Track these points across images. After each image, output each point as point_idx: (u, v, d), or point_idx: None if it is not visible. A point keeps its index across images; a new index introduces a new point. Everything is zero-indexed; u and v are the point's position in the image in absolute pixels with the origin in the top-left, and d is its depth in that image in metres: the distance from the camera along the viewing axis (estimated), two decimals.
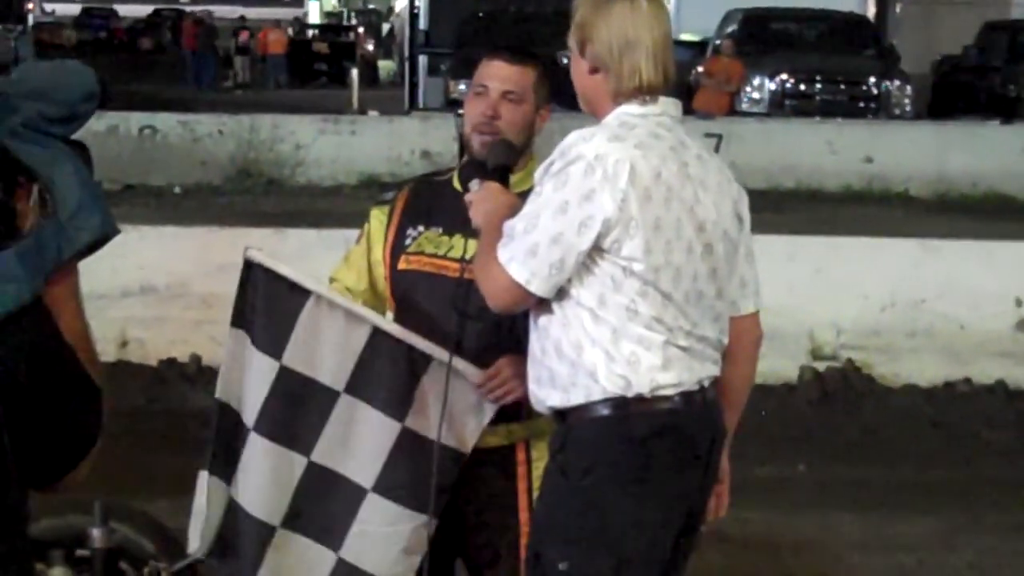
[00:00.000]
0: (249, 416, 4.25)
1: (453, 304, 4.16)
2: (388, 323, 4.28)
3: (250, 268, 4.26)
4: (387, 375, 4.19)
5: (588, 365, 3.79)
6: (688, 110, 22.09)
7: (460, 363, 4.16)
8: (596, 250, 3.74)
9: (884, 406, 9.62)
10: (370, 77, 40.48)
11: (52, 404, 2.26)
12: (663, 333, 3.78)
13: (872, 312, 9.98)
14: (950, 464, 8.72)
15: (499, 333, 4.19)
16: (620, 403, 3.78)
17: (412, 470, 4.16)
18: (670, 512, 3.88)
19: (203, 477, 4.33)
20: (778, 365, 9.68)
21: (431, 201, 4.41)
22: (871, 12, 30.74)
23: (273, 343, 4.21)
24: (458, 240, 4.27)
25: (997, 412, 9.50)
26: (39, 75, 2.40)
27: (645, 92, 3.87)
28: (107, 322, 9.14)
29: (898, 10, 32.45)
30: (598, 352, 3.78)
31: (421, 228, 4.37)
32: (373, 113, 21.57)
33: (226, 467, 4.31)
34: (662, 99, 3.90)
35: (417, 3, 30.31)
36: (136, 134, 19.44)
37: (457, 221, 4.22)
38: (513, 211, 3.86)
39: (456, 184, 4.33)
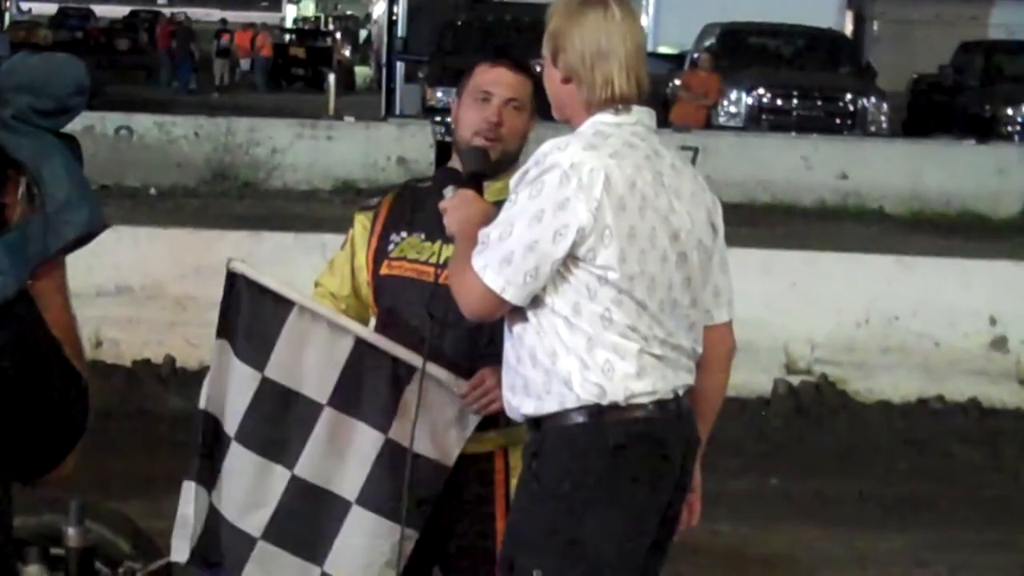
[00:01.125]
0: (231, 426, 4.22)
1: (428, 310, 4.15)
2: (372, 334, 4.26)
3: (233, 279, 4.24)
4: (370, 387, 4.17)
5: (562, 373, 3.78)
6: (665, 123, 22.10)
7: (441, 373, 4.15)
8: (571, 258, 3.73)
9: (857, 421, 9.64)
10: (347, 83, 40.44)
11: (38, 397, 2.25)
12: (638, 342, 3.78)
13: (847, 328, 10.01)
14: (922, 480, 8.73)
15: (477, 340, 4.19)
16: (594, 411, 3.78)
17: (396, 482, 4.13)
18: (643, 520, 3.88)
19: (189, 487, 4.29)
20: (752, 379, 9.72)
21: (414, 207, 4.41)
22: (848, 29, 30.86)
23: (256, 354, 4.19)
24: (440, 247, 4.26)
25: (970, 430, 9.53)
26: (29, 68, 2.39)
27: (618, 101, 3.87)
28: (81, 321, 9.06)
29: (875, 28, 32.57)
30: (572, 360, 3.77)
31: (404, 234, 4.37)
32: (349, 119, 21.50)
33: (210, 476, 4.28)
34: (636, 108, 3.90)
35: (395, 10, 30.33)
36: (112, 134, 19.38)
37: (440, 227, 4.20)
38: (487, 219, 3.86)
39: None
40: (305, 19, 48.22)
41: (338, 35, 51.47)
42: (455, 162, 4.35)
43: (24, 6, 71.88)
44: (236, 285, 4.23)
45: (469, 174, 4.13)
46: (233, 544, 4.23)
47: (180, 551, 4.33)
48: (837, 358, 9.97)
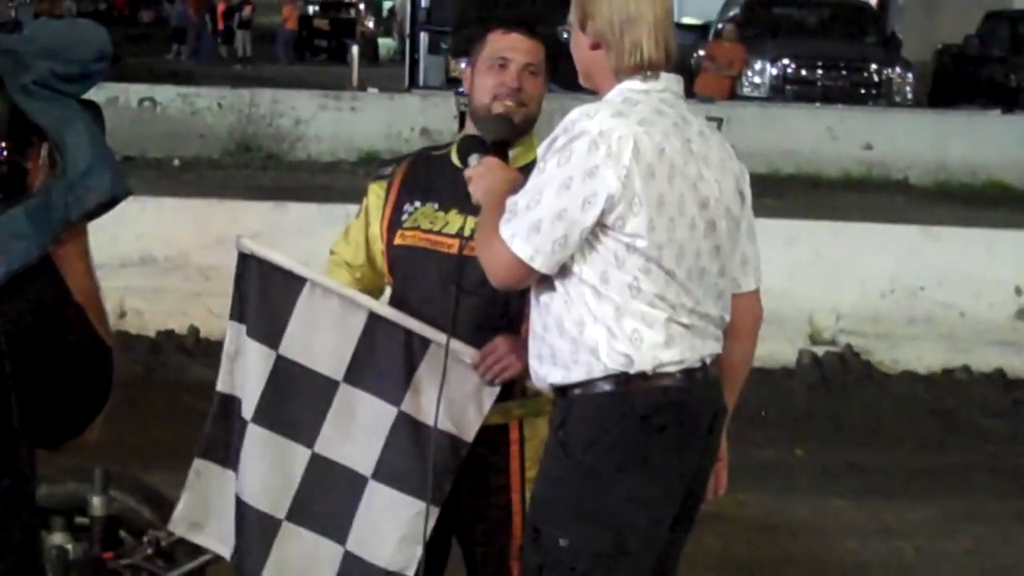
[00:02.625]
0: (247, 408, 4.20)
1: (451, 281, 4.13)
2: (384, 308, 4.24)
3: (244, 259, 4.23)
4: (384, 360, 4.14)
5: (590, 342, 3.76)
6: (689, 94, 21.97)
7: (456, 344, 4.11)
8: (599, 227, 3.71)
9: (882, 392, 9.62)
10: (370, 54, 40.36)
11: (62, 362, 2.24)
12: (666, 310, 3.76)
13: (871, 298, 9.98)
14: (948, 451, 8.71)
15: (493, 310, 4.17)
16: (622, 380, 3.77)
17: (411, 456, 4.12)
18: (671, 489, 3.86)
19: (203, 466, 4.32)
20: (777, 349, 9.68)
21: (429, 176, 4.39)
22: None
23: (269, 333, 4.17)
24: (454, 216, 4.25)
25: (995, 400, 9.51)
26: (51, 33, 2.38)
27: (646, 68, 3.84)
28: (105, 292, 9.07)
29: None
30: (600, 329, 3.76)
31: (418, 203, 4.34)
32: (373, 90, 21.48)
33: (225, 456, 4.27)
34: (664, 75, 3.88)
35: None
36: (136, 106, 19.37)
37: (454, 197, 4.21)
38: (514, 186, 3.85)
39: (454, 159, 4.30)
40: None
41: (362, 7, 51.36)
42: (471, 129, 4.32)
43: None
44: (247, 264, 4.22)
45: (493, 142, 4.10)
46: (257, 528, 4.20)
47: (179, 526, 4.38)
48: (862, 328, 9.95)
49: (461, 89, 20.52)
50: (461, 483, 4.24)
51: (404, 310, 4.23)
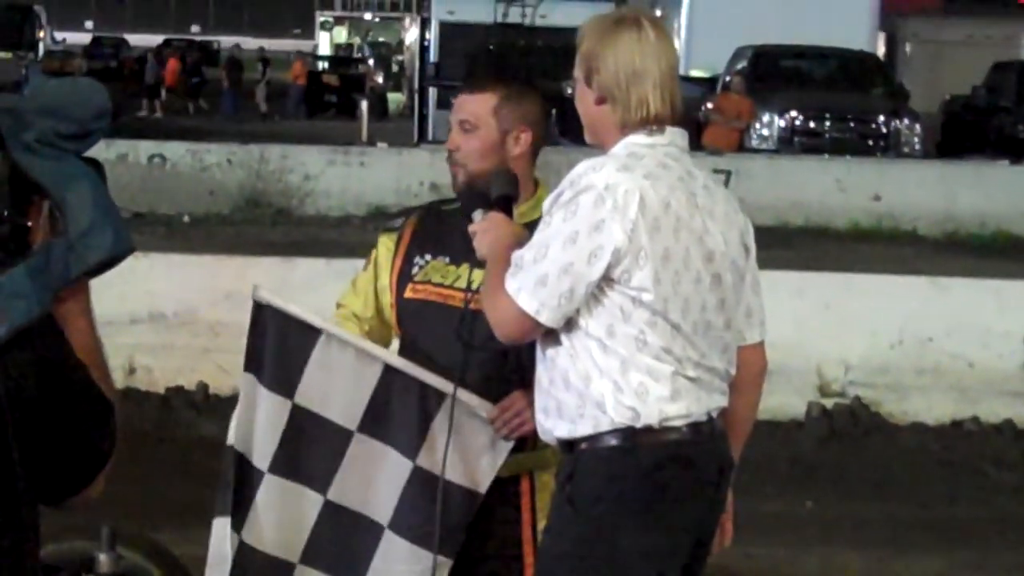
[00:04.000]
0: (263, 458, 4.20)
1: (458, 335, 4.13)
2: (400, 360, 4.24)
3: (260, 309, 4.23)
4: (399, 413, 4.15)
5: (596, 396, 3.77)
6: (697, 146, 22.05)
7: (473, 400, 4.12)
8: (605, 280, 3.73)
9: (892, 444, 9.58)
10: (380, 109, 40.55)
11: (63, 419, 2.26)
12: (672, 364, 3.77)
13: (880, 349, 9.95)
14: (957, 503, 8.69)
15: (504, 364, 4.17)
16: (628, 434, 3.77)
17: (426, 509, 4.11)
18: (678, 542, 3.87)
19: (222, 524, 4.25)
20: (786, 401, 9.67)
21: (439, 229, 4.39)
22: (881, 51, 30.72)
23: (285, 382, 4.18)
24: (465, 270, 4.24)
25: (1005, 451, 9.47)
26: (52, 92, 2.41)
27: (652, 122, 3.86)
28: (115, 349, 8.96)
29: (908, 49, 32.45)
30: (606, 383, 3.77)
31: (428, 257, 4.34)
32: (382, 145, 21.52)
33: (238, 511, 4.24)
34: (669, 129, 3.90)
35: (427, 36, 30.42)
36: (145, 162, 19.46)
37: (465, 250, 4.18)
38: (519, 241, 3.86)
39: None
40: (338, 46, 48.30)
41: (371, 62, 51.56)
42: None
43: (59, 36, 72.30)
44: (262, 315, 4.22)
45: (497, 196, 4.11)
46: (271, 573, 4.20)
47: None
48: (871, 380, 9.91)
49: None
50: (473, 536, 4.23)
51: (415, 364, 4.23)
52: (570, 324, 3.78)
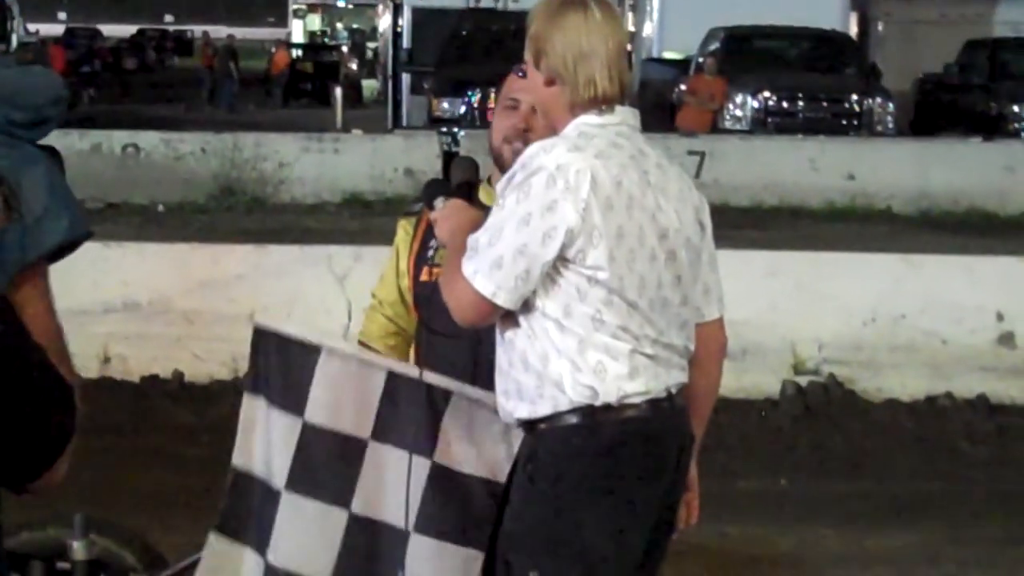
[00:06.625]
0: (279, 478, 4.20)
1: (426, 322, 4.20)
2: (401, 365, 4.26)
3: (259, 335, 4.26)
4: (409, 416, 4.14)
5: (554, 376, 3.78)
6: (671, 128, 22.09)
7: (479, 393, 4.13)
8: (560, 260, 3.73)
9: (866, 421, 9.57)
10: (354, 96, 40.45)
11: (21, 402, 2.26)
12: (629, 342, 3.78)
13: (854, 327, 9.94)
14: (931, 478, 8.69)
15: (479, 349, 4.16)
16: (587, 412, 3.78)
17: (448, 505, 4.12)
18: (640, 519, 3.87)
19: (214, 539, 4.28)
20: (760, 380, 9.70)
21: None
22: (853, 30, 30.65)
23: (293, 402, 4.19)
24: None
25: (978, 426, 9.47)
26: (4, 80, 2.40)
27: (601, 102, 3.87)
28: (89, 338, 9.14)
29: (880, 28, 32.38)
30: (564, 362, 3.77)
31: None
32: (356, 132, 21.47)
33: (238, 529, 4.26)
34: (620, 108, 3.90)
35: (400, 23, 30.36)
36: (119, 152, 19.46)
37: None
38: (477, 226, 3.85)
39: (483, 199, 4.30)
40: (312, 34, 48.14)
41: (345, 49, 51.45)
42: (457, 168, 4.34)
43: (31, 27, 71.95)
44: (263, 340, 4.25)
45: (459, 183, 4.12)
46: None
47: None
48: (845, 358, 9.90)
49: (443, 128, 20.61)
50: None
51: (429, 347, 4.28)
52: (527, 305, 3.78)
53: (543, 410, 3.82)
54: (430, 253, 4.37)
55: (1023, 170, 19.60)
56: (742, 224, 15.91)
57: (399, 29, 30.17)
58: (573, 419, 3.79)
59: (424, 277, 4.36)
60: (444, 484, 4.12)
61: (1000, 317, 9.91)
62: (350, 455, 4.16)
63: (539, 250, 3.72)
